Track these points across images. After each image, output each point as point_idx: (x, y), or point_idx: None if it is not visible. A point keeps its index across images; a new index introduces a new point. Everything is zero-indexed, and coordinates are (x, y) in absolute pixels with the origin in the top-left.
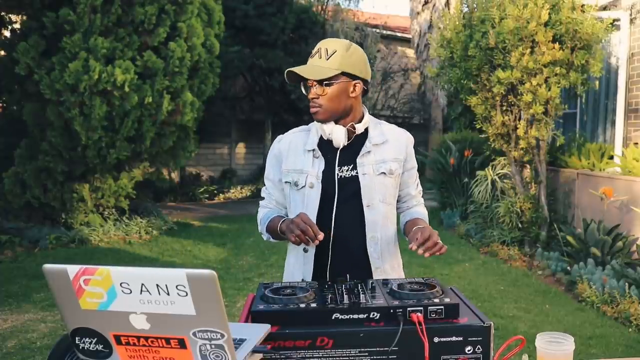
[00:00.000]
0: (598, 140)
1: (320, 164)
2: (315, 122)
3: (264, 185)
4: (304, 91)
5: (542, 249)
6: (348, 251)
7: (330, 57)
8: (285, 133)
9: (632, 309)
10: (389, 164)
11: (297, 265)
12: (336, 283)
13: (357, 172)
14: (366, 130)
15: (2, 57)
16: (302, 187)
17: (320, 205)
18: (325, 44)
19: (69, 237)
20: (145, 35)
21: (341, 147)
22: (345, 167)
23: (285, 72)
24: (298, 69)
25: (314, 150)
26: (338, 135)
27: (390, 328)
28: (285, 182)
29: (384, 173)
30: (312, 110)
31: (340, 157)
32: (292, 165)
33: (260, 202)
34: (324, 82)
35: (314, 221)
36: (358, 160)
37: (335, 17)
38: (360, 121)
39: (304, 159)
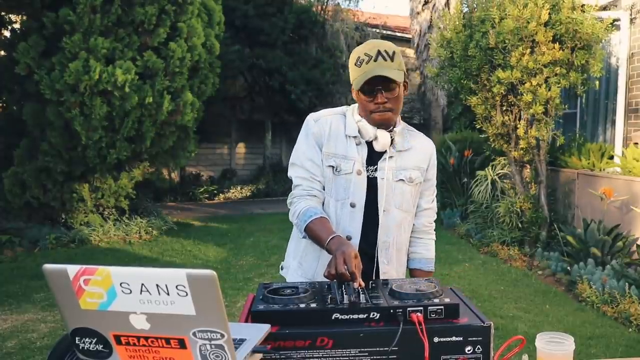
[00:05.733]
0: (598, 140)
1: (364, 152)
2: (349, 109)
3: (298, 169)
4: (364, 96)
5: (542, 249)
6: (361, 251)
7: (393, 58)
8: (319, 113)
9: (632, 309)
10: (409, 172)
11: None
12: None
13: (377, 174)
14: None
15: (2, 57)
16: (348, 173)
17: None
18: (379, 45)
19: (69, 237)
20: (145, 35)
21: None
22: (371, 167)
23: (367, 79)
24: (382, 73)
25: (356, 137)
26: (385, 140)
27: (390, 328)
28: (328, 166)
29: (403, 180)
30: (383, 116)
31: (369, 156)
32: (334, 149)
33: (294, 191)
34: (398, 84)
35: (362, 208)
36: (380, 163)
37: (335, 17)
38: (395, 126)
39: (346, 144)
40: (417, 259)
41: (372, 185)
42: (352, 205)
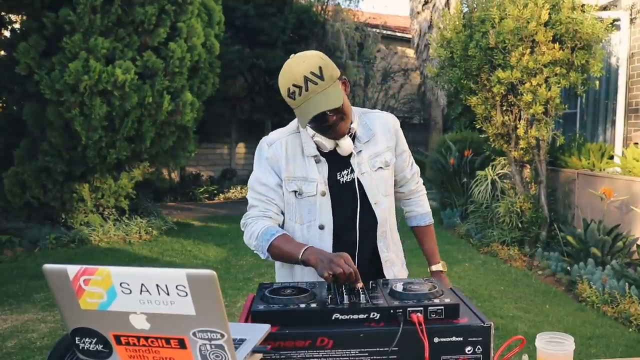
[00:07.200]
0: (598, 140)
1: (325, 170)
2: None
3: (254, 192)
4: (316, 124)
5: (542, 249)
6: (360, 251)
7: (322, 75)
8: (272, 135)
9: (632, 309)
10: (383, 156)
11: (308, 270)
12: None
13: (355, 174)
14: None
15: (2, 57)
16: (312, 195)
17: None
18: (304, 69)
19: (69, 237)
20: (145, 35)
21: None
22: (345, 172)
23: (309, 119)
24: (321, 108)
25: (315, 155)
26: (346, 145)
27: (390, 328)
28: (290, 191)
29: (381, 167)
30: (338, 131)
31: (335, 163)
32: (293, 172)
33: (250, 212)
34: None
35: (331, 229)
36: (353, 161)
37: (335, 17)
38: (351, 123)
39: (305, 165)
40: (412, 217)
41: (351, 188)
42: (321, 228)
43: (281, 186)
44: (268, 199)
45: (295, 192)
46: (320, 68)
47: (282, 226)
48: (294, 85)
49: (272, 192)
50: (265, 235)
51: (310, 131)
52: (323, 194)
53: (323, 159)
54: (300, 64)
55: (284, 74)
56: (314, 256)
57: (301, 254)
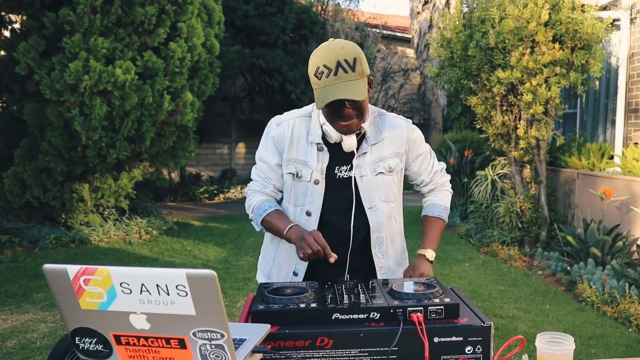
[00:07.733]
0: (598, 140)
1: (325, 159)
2: (315, 110)
3: (256, 167)
4: (327, 110)
5: (542, 249)
6: (353, 249)
7: (354, 66)
8: (284, 116)
9: (632, 309)
10: (387, 162)
11: (288, 258)
12: (336, 283)
13: (353, 174)
14: None
15: (2, 57)
16: (307, 181)
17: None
18: (339, 55)
19: (69, 237)
20: (145, 35)
21: (354, 151)
22: (344, 167)
23: (327, 103)
24: (343, 95)
25: (319, 143)
26: (350, 143)
27: (390, 328)
28: (288, 172)
29: (382, 172)
30: (350, 126)
31: (338, 156)
32: (295, 154)
33: (251, 184)
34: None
35: (318, 217)
36: (354, 162)
37: (336, 17)
38: (364, 120)
39: (307, 150)
40: (425, 207)
41: (347, 185)
42: (308, 214)
43: (281, 166)
44: (266, 177)
45: (293, 174)
46: (355, 59)
47: (280, 202)
48: (325, 66)
49: (271, 171)
50: (259, 210)
51: (322, 118)
52: (316, 183)
53: (325, 149)
54: (338, 49)
55: (319, 53)
56: (295, 235)
57: (286, 231)
